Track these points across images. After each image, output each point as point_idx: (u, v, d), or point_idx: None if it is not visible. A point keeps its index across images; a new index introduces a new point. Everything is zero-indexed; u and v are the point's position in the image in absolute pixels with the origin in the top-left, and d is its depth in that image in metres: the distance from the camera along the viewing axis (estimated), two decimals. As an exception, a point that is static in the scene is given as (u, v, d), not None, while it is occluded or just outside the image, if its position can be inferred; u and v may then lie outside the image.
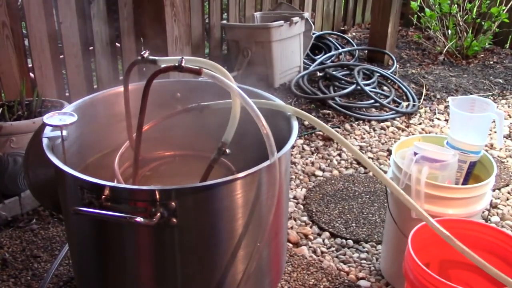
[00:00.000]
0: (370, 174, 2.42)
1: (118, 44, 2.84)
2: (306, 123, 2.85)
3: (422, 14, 4.19)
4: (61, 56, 2.59)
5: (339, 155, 2.60)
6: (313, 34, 3.67)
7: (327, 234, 2.00)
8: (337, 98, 3.13)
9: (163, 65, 1.25)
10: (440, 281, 1.16)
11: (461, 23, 4.04)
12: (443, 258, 1.44)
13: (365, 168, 2.48)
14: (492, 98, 3.43)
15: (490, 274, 1.21)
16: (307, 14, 3.48)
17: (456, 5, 4.01)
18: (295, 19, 3.25)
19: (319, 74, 3.44)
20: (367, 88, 3.17)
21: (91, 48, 2.71)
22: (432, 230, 1.31)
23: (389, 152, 2.62)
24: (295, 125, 1.36)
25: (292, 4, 3.83)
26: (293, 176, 2.39)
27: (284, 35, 3.20)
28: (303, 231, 2.00)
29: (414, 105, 3.17)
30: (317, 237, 1.98)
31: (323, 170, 2.46)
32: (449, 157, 1.53)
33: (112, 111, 1.54)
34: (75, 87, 2.65)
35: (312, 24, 3.62)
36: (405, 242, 1.31)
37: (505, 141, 2.82)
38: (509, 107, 3.31)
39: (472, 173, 1.64)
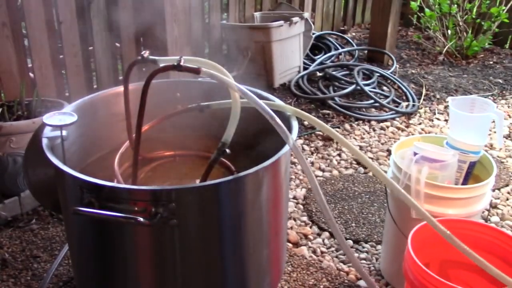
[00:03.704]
0: (370, 174, 2.42)
1: (118, 44, 2.84)
2: (306, 123, 2.85)
3: (422, 14, 4.19)
4: (61, 56, 2.59)
5: (339, 155, 2.60)
6: (313, 34, 3.67)
7: (326, 234, 2.00)
8: (336, 98, 3.13)
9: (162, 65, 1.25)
10: (440, 281, 1.16)
11: (461, 23, 4.04)
12: (443, 258, 1.44)
13: (365, 168, 2.48)
14: (492, 98, 3.43)
15: (491, 274, 1.21)
16: (307, 14, 3.48)
17: (456, 5, 4.01)
18: (295, 19, 3.25)
19: (319, 74, 3.44)
20: (367, 88, 3.17)
21: (91, 48, 2.71)
22: (432, 230, 1.31)
23: (389, 152, 2.62)
24: (295, 125, 1.36)
25: (292, 4, 3.84)
26: (293, 176, 2.39)
27: (284, 35, 3.20)
28: (303, 231, 2.00)
29: (413, 105, 3.17)
30: (316, 237, 1.98)
31: (323, 170, 2.46)
32: (449, 157, 1.53)
33: (112, 111, 1.54)
34: (75, 87, 2.65)
35: (312, 24, 3.62)
36: (405, 242, 1.31)
37: (504, 141, 2.82)
38: (508, 107, 3.31)
39: (472, 173, 1.64)
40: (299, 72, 3.45)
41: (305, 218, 2.09)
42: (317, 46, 3.90)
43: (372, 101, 3.12)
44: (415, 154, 1.55)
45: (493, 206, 2.21)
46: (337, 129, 2.87)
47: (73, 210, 1.08)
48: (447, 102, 1.59)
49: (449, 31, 4.10)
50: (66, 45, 2.56)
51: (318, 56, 3.72)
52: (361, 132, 2.87)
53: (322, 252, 1.90)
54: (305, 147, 2.66)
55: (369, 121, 2.99)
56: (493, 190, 2.30)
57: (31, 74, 2.51)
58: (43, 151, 1.20)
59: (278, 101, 1.46)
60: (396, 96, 3.26)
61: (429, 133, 2.91)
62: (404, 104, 3.19)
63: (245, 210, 1.22)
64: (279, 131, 1.19)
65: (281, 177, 1.31)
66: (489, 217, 2.11)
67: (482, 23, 4.03)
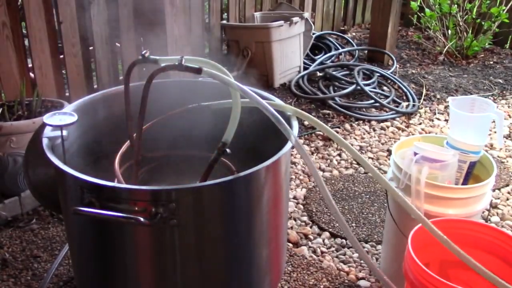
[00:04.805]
0: (370, 174, 2.42)
1: (118, 44, 2.84)
2: (306, 123, 2.85)
3: (422, 14, 4.19)
4: (61, 56, 2.59)
5: (339, 155, 2.60)
6: (313, 34, 3.67)
7: (327, 234, 2.00)
8: (337, 98, 3.13)
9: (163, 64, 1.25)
10: (440, 281, 1.16)
11: (461, 23, 4.04)
12: (443, 258, 1.44)
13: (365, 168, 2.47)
14: (492, 98, 3.43)
15: (486, 278, 1.21)
16: (307, 14, 3.48)
17: (456, 5, 4.01)
18: (295, 19, 3.25)
19: (319, 74, 3.44)
20: (367, 88, 3.17)
21: (91, 48, 2.71)
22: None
23: (389, 152, 2.62)
24: (295, 125, 1.36)
25: (292, 4, 3.84)
26: (293, 176, 2.39)
27: (284, 35, 3.20)
28: (303, 231, 2.00)
29: (414, 105, 3.17)
30: (317, 237, 1.98)
31: (323, 170, 2.46)
32: (449, 157, 1.53)
33: (112, 111, 1.54)
34: (75, 87, 2.65)
35: (312, 24, 3.62)
36: (405, 242, 1.31)
37: (505, 141, 2.82)
38: (509, 107, 3.31)
39: (472, 173, 1.64)
40: (299, 72, 3.45)
41: (305, 218, 2.09)
42: (317, 46, 3.90)
43: (372, 101, 3.12)
44: (415, 154, 1.55)
45: (493, 206, 2.21)
46: (337, 129, 2.87)
47: (74, 210, 1.08)
48: (447, 102, 1.59)
49: (449, 31, 4.10)
50: (66, 45, 2.56)
51: (318, 56, 3.72)
52: (361, 132, 2.87)
53: (322, 252, 1.90)
54: (306, 147, 2.66)
55: (369, 121, 2.99)
56: (493, 190, 2.30)
57: (31, 74, 2.51)
58: (44, 151, 1.20)
59: (278, 101, 1.46)
60: (396, 96, 3.26)
61: (429, 133, 2.91)
62: (404, 104, 3.19)
63: (245, 210, 1.22)
64: (281, 128, 1.19)
65: (281, 177, 1.31)
66: (489, 217, 2.11)
67: (482, 23, 4.03)
